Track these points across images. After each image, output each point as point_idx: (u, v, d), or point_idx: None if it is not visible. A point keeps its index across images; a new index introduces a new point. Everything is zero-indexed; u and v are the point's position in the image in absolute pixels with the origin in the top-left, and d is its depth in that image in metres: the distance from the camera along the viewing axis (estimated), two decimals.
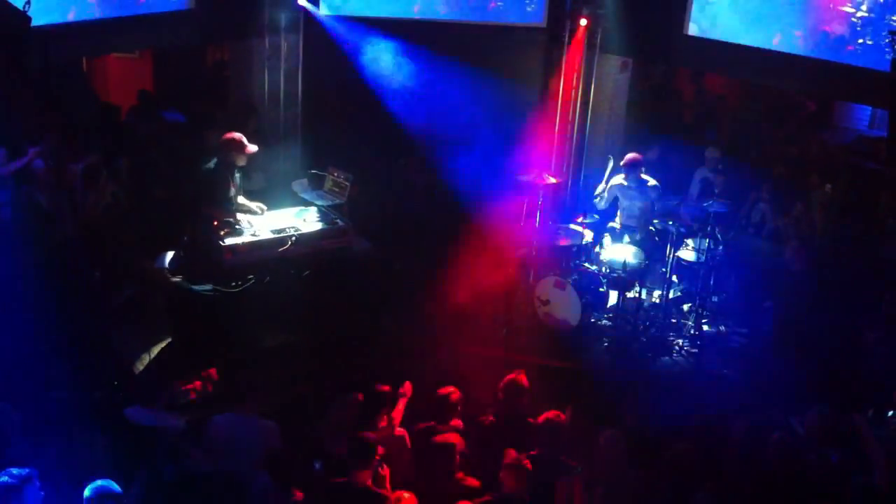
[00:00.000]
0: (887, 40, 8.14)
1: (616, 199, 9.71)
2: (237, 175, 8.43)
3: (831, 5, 8.70)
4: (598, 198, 9.72)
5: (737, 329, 9.17)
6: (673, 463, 5.67)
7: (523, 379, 6.49)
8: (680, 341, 9.04)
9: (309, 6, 10.07)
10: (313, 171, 10.57)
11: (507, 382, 6.46)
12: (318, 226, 8.35)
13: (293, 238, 8.04)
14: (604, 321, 9.21)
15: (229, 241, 7.79)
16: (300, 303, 8.09)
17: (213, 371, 7.60)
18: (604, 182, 9.66)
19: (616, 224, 9.80)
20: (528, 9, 10.55)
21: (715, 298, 9.42)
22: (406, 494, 5.30)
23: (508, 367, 8.61)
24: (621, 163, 9.52)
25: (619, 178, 9.66)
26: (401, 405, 6.39)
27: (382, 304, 9.00)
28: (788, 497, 5.55)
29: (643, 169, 9.54)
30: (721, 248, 9.09)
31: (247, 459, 5.67)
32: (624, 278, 9.11)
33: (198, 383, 7.48)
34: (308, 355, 8.25)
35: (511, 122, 10.42)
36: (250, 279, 7.83)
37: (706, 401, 8.11)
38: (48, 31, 7.54)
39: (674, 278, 9.17)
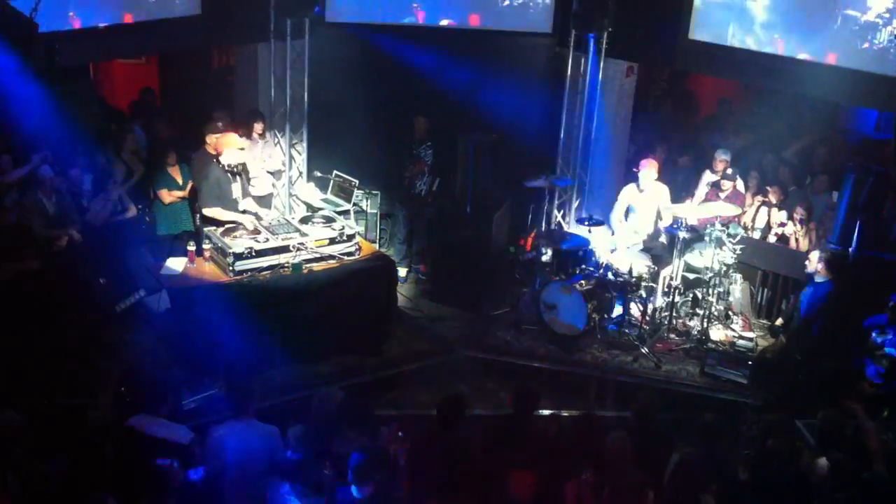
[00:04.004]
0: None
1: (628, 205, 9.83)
2: (241, 177, 8.47)
3: (838, 9, 8.69)
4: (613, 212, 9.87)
5: (742, 334, 9.15)
6: (678, 465, 5.67)
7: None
8: (686, 346, 9.03)
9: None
10: (318, 175, 10.61)
11: (517, 390, 6.43)
12: (324, 231, 8.34)
13: (300, 244, 8.04)
14: (610, 327, 9.19)
15: (235, 245, 7.79)
16: (306, 310, 8.09)
17: None
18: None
19: (625, 228, 9.82)
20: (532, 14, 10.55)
21: (722, 304, 9.39)
22: None
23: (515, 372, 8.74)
24: (636, 169, 9.65)
25: (631, 186, 9.75)
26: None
27: (390, 312, 8.99)
28: (791, 499, 5.55)
29: (656, 174, 9.61)
30: (728, 251, 9.08)
31: (250, 466, 5.66)
32: (631, 283, 9.10)
33: None
34: (313, 362, 8.26)
35: (517, 128, 10.41)
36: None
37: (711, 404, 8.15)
38: (55, 37, 7.54)
39: (680, 283, 9.16)
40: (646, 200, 9.70)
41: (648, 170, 9.57)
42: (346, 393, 6.29)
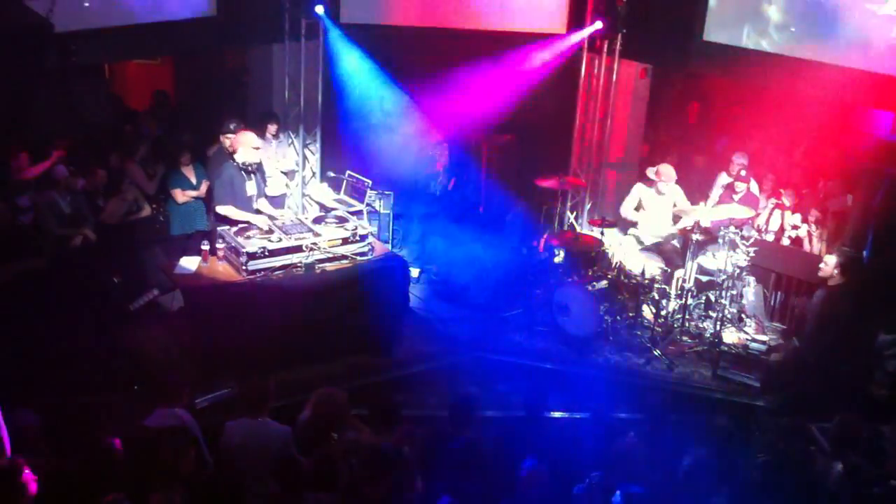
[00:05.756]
0: None
1: (640, 204, 9.80)
2: (256, 177, 8.49)
3: (853, 11, 8.66)
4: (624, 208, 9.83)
5: (755, 337, 9.12)
6: (690, 468, 5.66)
7: None
8: (699, 349, 9.01)
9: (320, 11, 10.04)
10: (331, 175, 10.64)
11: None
12: (337, 231, 8.34)
13: (313, 244, 8.05)
14: (621, 328, 9.18)
15: (249, 245, 7.80)
16: (319, 310, 8.09)
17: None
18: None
19: (638, 230, 9.80)
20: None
21: (735, 307, 9.36)
22: None
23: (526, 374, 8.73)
24: (649, 171, 9.64)
25: (643, 187, 9.72)
26: None
27: (402, 313, 8.99)
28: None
29: (674, 178, 9.59)
30: (742, 254, 9.05)
31: (261, 465, 5.68)
32: (643, 285, 9.09)
33: None
34: (325, 362, 8.27)
35: (531, 129, 10.42)
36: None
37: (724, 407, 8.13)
38: (70, 37, 7.58)
39: (693, 286, 9.13)
40: (660, 200, 9.68)
41: (666, 176, 9.54)
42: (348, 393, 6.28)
